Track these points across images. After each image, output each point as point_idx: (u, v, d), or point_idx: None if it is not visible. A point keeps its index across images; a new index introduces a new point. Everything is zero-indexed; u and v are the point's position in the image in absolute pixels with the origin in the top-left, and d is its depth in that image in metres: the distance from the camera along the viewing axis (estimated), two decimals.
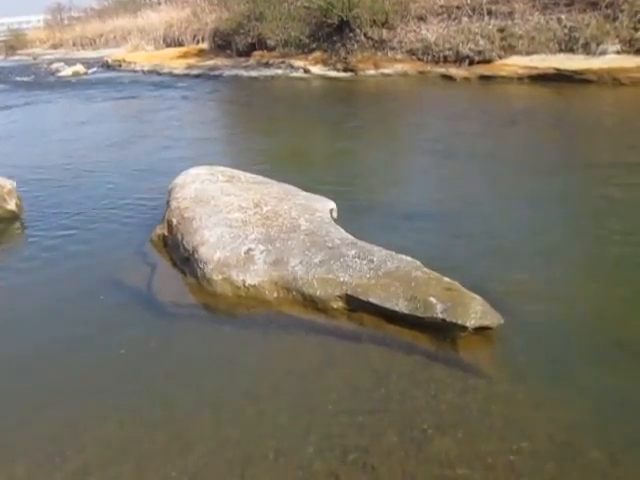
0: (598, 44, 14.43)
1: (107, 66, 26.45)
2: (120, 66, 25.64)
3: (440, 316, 3.73)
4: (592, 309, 4.13)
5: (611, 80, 13.42)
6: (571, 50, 14.95)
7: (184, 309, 4.39)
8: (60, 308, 4.58)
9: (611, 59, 14.09)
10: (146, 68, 23.84)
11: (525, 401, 3.26)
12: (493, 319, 3.76)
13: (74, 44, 39.60)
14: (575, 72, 13.90)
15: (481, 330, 3.74)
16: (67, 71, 24.23)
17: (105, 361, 3.85)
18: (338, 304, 4.11)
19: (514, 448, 2.92)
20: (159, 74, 22.38)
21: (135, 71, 24.01)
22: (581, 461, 2.83)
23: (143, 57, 25.97)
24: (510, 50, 15.66)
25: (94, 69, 25.56)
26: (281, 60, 19.70)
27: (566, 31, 15.10)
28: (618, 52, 14.38)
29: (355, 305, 4.06)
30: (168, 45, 28.72)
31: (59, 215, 6.60)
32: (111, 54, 29.19)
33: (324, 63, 18.61)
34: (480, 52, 15.73)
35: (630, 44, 14.26)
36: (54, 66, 26.19)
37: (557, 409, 3.19)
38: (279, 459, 2.93)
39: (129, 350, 3.95)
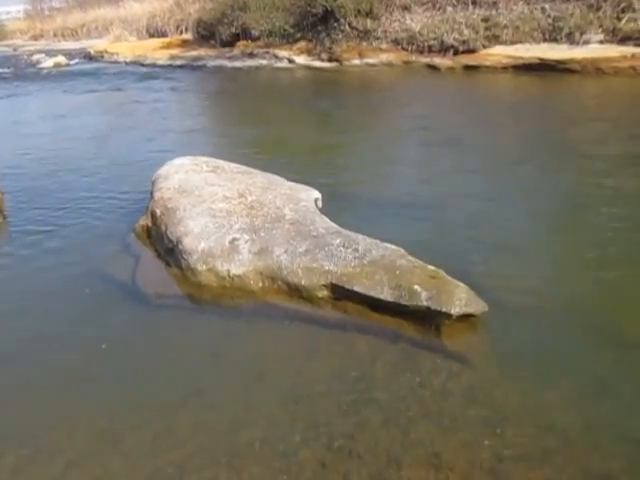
0: (582, 34, 14.49)
1: (89, 57, 26.14)
2: (102, 57, 25.35)
3: (425, 304, 3.74)
4: (576, 297, 4.16)
5: (594, 70, 13.49)
6: (555, 40, 15.00)
7: (169, 300, 4.36)
8: (44, 302, 4.53)
9: (594, 49, 14.15)
10: (129, 59, 23.60)
11: (509, 387, 3.28)
12: (477, 306, 3.78)
13: (55, 35, 39.09)
14: (559, 62, 13.96)
15: (465, 317, 3.76)
16: (48, 62, 23.92)
17: (89, 354, 3.82)
18: (323, 293, 4.11)
19: (498, 433, 2.94)
20: (142, 65, 22.18)
21: (118, 62, 23.76)
22: (564, 446, 2.85)
23: (126, 48, 25.69)
24: (494, 40, 15.68)
25: (76, 60, 25.25)
26: (265, 50, 19.59)
27: (550, 21, 15.15)
28: (601, 42, 14.45)
29: (340, 294, 4.06)
30: (151, 36, 28.45)
31: (41, 209, 6.52)
32: (93, 45, 28.84)
33: (309, 53, 18.54)
34: (464, 42, 15.74)
35: (613, 34, 14.33)
36: (35, 57, 25.85)
37: (541, 394, 3.21)
38: (265, 448, 2.93)
39: (113, 342, 3.92)
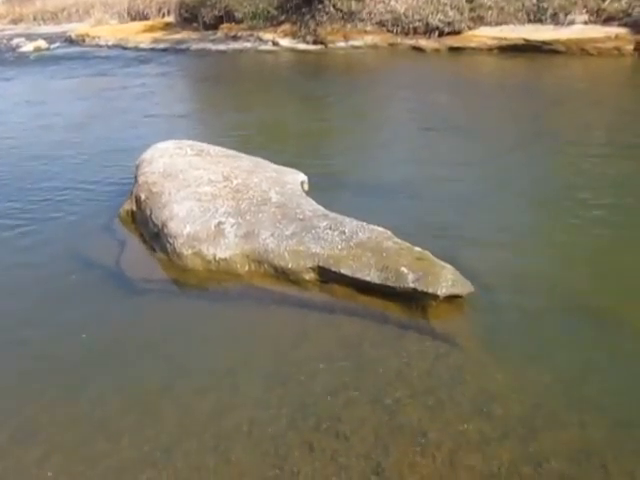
0: (566, 14, 14.48)
1: (70, 41, 25.71)
2: (84, 41, 24.94)
3: (411, 285, 3.74)
4: (561, 278, 4.19)
5: (579, 50, 13.51)
6: (540, 20, 14.98)
7: (154, 285, 4.34)
8: (28, 287, 4.49)
9: (579, 29, 14.16)
10: (111, 43, 23.24)
11: (495, 367, 3.30)
12: (464, 288, 3.79)
13: (35, 19, 38.35)
14: (544, 42, 13.96)
15: (452, 299, 3.77)
16: (28, 47, 23.49)
17: (75, 339, 3.79)
18: (310, 276, 4.10)
19: (485, 413, 2.96)
20: (124, 49, 21.87)
21: (100, 46, 23.40)
22: (550, 424, 2.88)
23: (107, 31, 25.29)
24: (479, 21, 15.63)
25: (57, 44, 24.83)
26: (249, 33, 19.38)
27: (534, 1, 15.10)
28: (586, 22, 14.45)
29: (327, 276, 4.05)
30: (133, 19, 28.00)
31: (23, 195, 6.42)
32: (74, 29, 28.34)
33: (293, 36, 18.36)
34: (449, 23, 15.66)
35: (597, 14, 14.34)
36: (14, 42, 25.35)
37: (527, 374, 3.23)
38: (253, 430, 2.93)
39: (99, 327, 3.90)
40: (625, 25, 13.81)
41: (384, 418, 2.96)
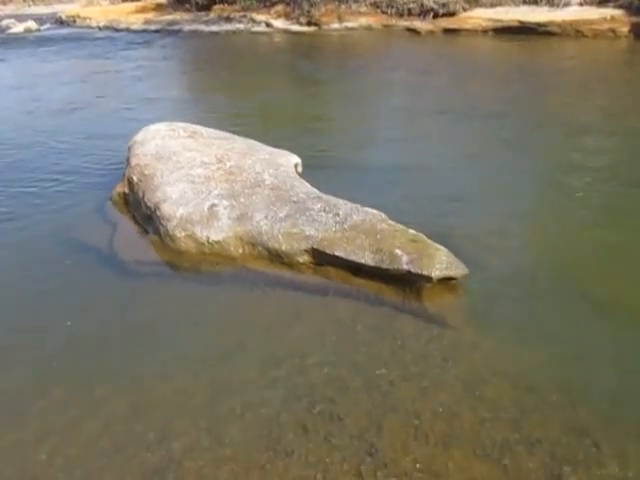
0: None
1: (60, 22, 25.38)
2: (74, 22, 24.64)
3: (405, 267, 3.73)
4: (555, 260, 4.19)
5: (574, 32, 13.45)
6: (535, 2, 14.90)
7: (147, 267, 4.31)
8: (20, 270, 4.46)
9: (574, 11, 14.10)
10: (102, 24, 22.98)
11: (489, 349, 3.31)
12: (458, 270, 3.78)
13: (25, 0, 37.89)
14: (539, 24, 13.88)
15: (446, 281, 3.77)
16: (18, 28, 23.20)
17: (68, 321, 3.77)
18: (304, 258, 4.08)
19: (478, 395, 2.97)
20: (116, 30, 21.62)
21: (91, 27, 23.13)
22: (542, 405, 2.90)
23: (98, 12, 24.98)
24: (474, 2, 15.54)
25: (47, 25, 24.52)
26: (242, 14, 19.18)
27: None
28: (581, 4, 14.39)
29: (321, 259, 4.04)
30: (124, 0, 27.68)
31: (15, 178, 6.37)
32: (64, 9, 27.97)
33: (287, 17, 18.20)
34: (444, 5, 15.56)
35: None
36: (4, 23, 25.00)
37: (520, 356, 3.24)
38: (246, 413, 2.93)
39: (92, 310, 3.88)
40: (620, 7, 13.75)
41: (378, 399, 2.96)
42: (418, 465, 2.59)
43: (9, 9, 35.49)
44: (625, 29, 13.11)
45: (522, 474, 2.53)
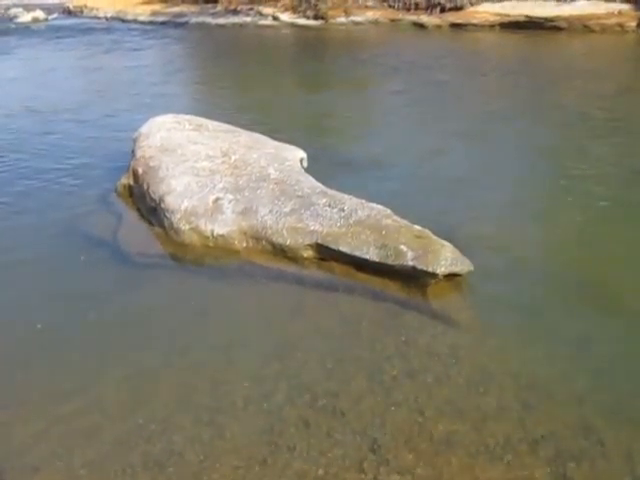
0: None
1: (68, 12, 25.46)
2: (82, 12, 24.71)
3: (410, 263, 3.72)
4: (559, 257, 4.18)
5: (581, 27, 13.39)
6: None
7: (151, 260, 4.31)
8: (24, 260, 4.45)
9: (582, 6, 14.02)
10: (109, 14, 23.03)
11: (493, 346, 3.29)
12: (463, 266, 3.77)
13: None
14: (546, 19, 13.83)
15: (451, 277, 3.76)
16: (26, 17, 23.23)
17: (71, 312, 3.77)
18: (308, 253, 4.07)
19: (482, 391, 2.95)
20: (123, 21, 21.66)
21: (98, 17, 23.19)
22: (546, 402, 2.88)
23: (106, 3, 24.99)
24: None
25: (55, 15, 24.55)
26: (249, 7, 19.17)
27: None
28: None
29: (325, 254, 4.03)
30: None
31: (21, 169, 6.38)
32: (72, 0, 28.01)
33: (294, 10, 18.18)
34: None
35: None
36: (12, 12, 25.04)
37: (524, 353, 3.23)
38: (248, 406, 2.92)
39: (95, 302, 3.87)
40: (628, 1, 13.67)
41: (381, 395, 2.95)
42: (421, 462, 2.57)
43: None
44: (633, 23, 13.05)
45: (526, 471, 2.52)
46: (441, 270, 3.68)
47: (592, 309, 3.59)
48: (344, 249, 3.92)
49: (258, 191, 4.44)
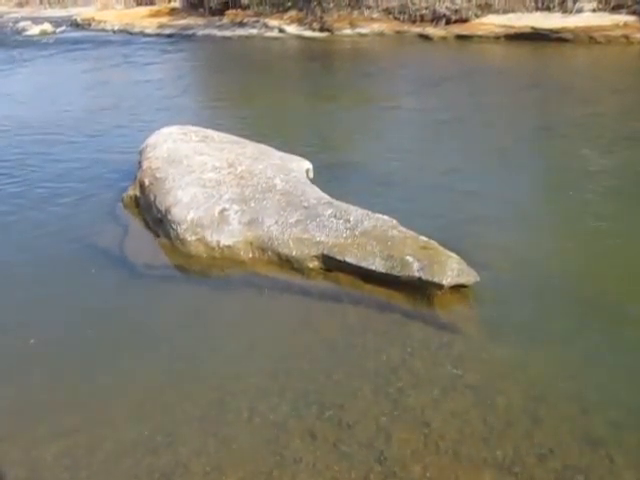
0: (575, 2, 14.35)
1: (76, 25, 25.66)
2: (90, 25, 24.90)
3: (417, 274, 3.71)
4: (565, 267, 4.15)
5: (587, 38, 13.39)
6: (547, 8, 14.85)
7: (157, 270, 4.32)
8: (31, 271, 4.47)
9: (587, 17, 14.04)
10: (117, 27, 23.20)
11: (499, 357, 3.27)
12: (469, 277, 3.76)
13: (41, 2, 38.25)
14: (551, 31, 13.84)
15: (457, 288, 3.74)
16: (34, 30, 23.44)
17: (78, 323, 3.78)
18: (314, 264, 4.07)
19: (488, 403, 2.94)
20: (130, 34, 21.81)
21: (105, 30, 23.36)
22: (554, 414, 2.86)
23: (113, 16, 25.24)
24: (487, 8, 15.53)
25: (63, 28, 24.76)
26: (255, 19, 19.29)
27: None
28: (594, 10, 14.33)
29: (331, 265, 4.02)
30: (139, 3, 27.93)
31: (28, 180, 6.41)
32: (80, 13, 28.28)
33: (299, 22, 18.27)
34: (457, 11, 15.56)
35: (606, 2, 14.21)
36: (21, 25, 25.27)
37: (530, 364, 3.21)
38: (254, 418, 2.91)
39: (102, 312, 3.88)
40: (634, 13, 13.69)
41: (387, 407, 2.94)
42: (428, 474, 2.55)
43: (25, 11, 35.85)
44: (638, 35, 13.04)
45: None
46: (447, 281, 3.67)
47: (601, 321, 3.57)
48: (350, 260, 3.92)
49: (264, 202, 4.45)
